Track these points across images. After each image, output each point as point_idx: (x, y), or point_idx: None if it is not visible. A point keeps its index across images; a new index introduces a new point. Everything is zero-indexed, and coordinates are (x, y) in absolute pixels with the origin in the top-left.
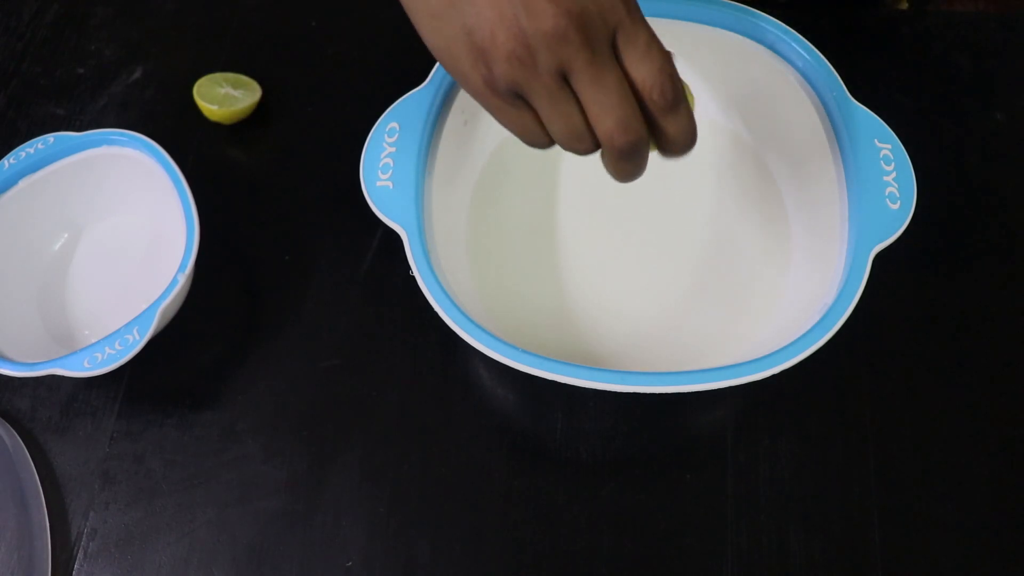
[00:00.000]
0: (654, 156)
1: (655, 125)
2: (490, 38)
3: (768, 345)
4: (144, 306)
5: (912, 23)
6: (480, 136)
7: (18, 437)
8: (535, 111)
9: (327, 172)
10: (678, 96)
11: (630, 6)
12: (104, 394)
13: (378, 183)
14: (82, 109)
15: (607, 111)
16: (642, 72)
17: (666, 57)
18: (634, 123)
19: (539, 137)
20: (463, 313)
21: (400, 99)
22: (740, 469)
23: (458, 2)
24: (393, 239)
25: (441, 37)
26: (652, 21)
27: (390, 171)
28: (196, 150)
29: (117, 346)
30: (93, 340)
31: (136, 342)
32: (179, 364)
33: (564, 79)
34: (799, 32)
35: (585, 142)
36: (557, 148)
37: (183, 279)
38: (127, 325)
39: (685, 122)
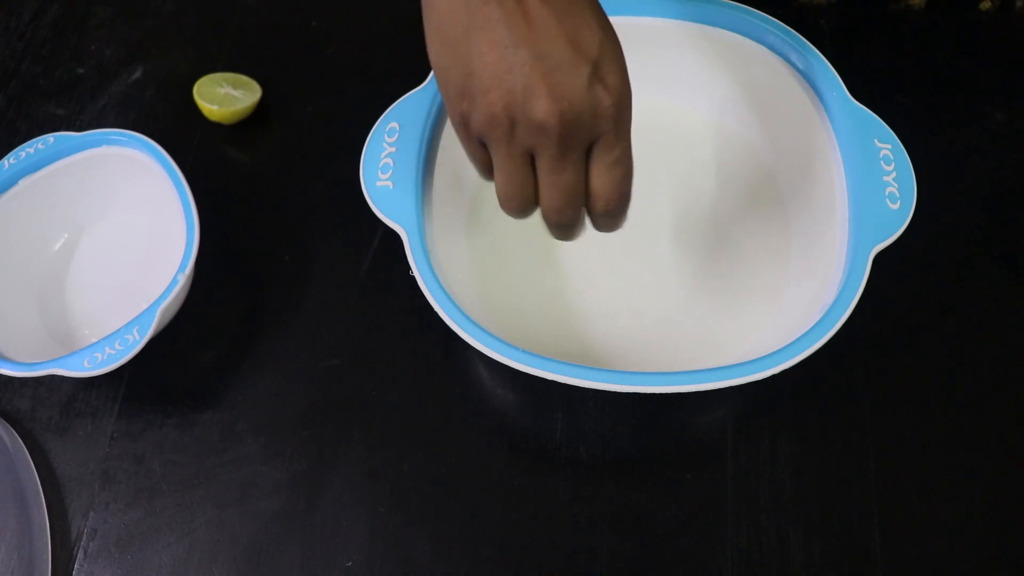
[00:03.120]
0: (661, 159)
1: (591, 215)
2: (482, 91)
3: (768, 345)
4: (144, 306)
5: (912, 23)
6: None
7: (18, 437)
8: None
9: (327, 172)
10: (621, 211)
11: (620, 119)
12: (104, 394)
13: (378, 183)
14: (82, 109)
15: (553, 197)
16: (600, 182)
17: (627, 175)
18: (570, 214)
19: (487, 175)
20: (463, 313)
21: (400, 99)
22: (740, 469)
23: (471, 41)
24: (393, 239)
25: (442, 60)
26: (653, 22)
27: (390, 171)
28: (196, 150)
29: (117, 346)
30: (93, 340)
31: (136, 342)
32: (179, 364)
33: (530, 155)
34: (799, 32)
35: (522, 208)
36: None
37: (183, 279)
38: (127, 325)
39: (616, 224)
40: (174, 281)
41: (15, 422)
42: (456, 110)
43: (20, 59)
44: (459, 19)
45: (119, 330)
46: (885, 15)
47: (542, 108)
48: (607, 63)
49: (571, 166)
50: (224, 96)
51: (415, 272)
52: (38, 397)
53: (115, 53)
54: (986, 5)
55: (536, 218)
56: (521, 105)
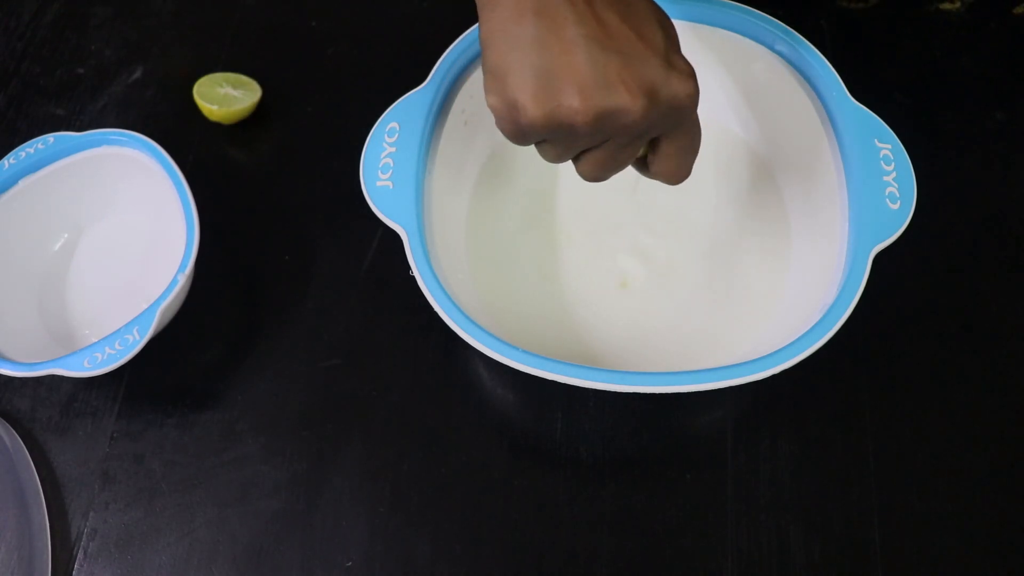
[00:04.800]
0: None
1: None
2: (556, 93)
3: (768, 345)
4: (144, 306)
5: (912, 23)
6: (480, 136)
7: (18, 437)
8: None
9: (327, 172)
10: (682, 181)
11: (695, 106)
12: (104, 394)
13: (378, 183)
14: (82, 109)
15: (596, 170)
16: (672, 166)
17: (695, 156)
18: (606, 178)
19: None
20: (463, 313)
21: (400, 99)
22: (740, 469)
23: (544, 41)
24: (393, 239)
25: (507, 62)
26: None
27: (390, 171)
28: (196, 150)
29: (117, 346)
30: (93, 340)
31: (136, 342)
32: (179, 364)
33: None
34: (799, 32)
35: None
36: None
37: (183, 279)
38: (127, 325)
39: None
40: (174, 281)
41: (15, 422)
42: (520, 115)
43: (20, 59)
44: (527, 20)
45: (119, 330)
46: (887, 16)
47: (625, 103)
48: (674, 54)
49: (629, 150)
50: (224, 96)
51: (415, 272)
52: (38, 397)
53: (115, 53)
54: (1020, 10)
55: (537, 219)
56: (605, 109)
